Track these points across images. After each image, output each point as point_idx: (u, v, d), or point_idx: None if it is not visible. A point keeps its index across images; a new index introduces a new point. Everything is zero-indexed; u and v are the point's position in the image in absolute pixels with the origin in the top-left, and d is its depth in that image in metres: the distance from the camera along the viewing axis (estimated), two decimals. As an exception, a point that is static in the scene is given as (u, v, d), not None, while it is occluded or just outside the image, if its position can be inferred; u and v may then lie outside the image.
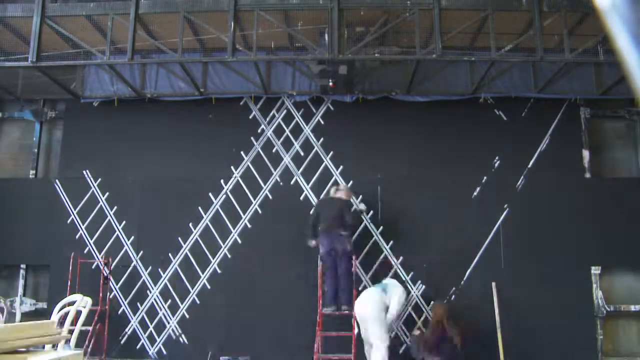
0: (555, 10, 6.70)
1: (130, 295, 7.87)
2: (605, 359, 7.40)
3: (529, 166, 7.93)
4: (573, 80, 7.93)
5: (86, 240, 8.06)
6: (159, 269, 7.92)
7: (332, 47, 6.67)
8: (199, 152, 8.24)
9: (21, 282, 8.16)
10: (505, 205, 7.81)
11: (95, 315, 7.21)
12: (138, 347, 7.75)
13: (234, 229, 7.97)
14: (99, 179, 8.25)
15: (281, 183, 8.08)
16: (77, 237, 8.08)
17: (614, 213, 7.65)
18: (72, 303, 5.33)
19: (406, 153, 8.06)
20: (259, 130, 8.28)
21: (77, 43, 7.11)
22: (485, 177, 7.90)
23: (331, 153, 8.12)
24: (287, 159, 8.15)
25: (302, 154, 8.16)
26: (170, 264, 7.91)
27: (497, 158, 7.98)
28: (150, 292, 7.87)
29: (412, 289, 7.64)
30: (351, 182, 7.97)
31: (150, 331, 7.78)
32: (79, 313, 5.19)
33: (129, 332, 7.80)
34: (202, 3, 6.85)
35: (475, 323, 7.36)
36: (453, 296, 7.57)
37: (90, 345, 7.14)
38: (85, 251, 7.99)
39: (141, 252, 7.96)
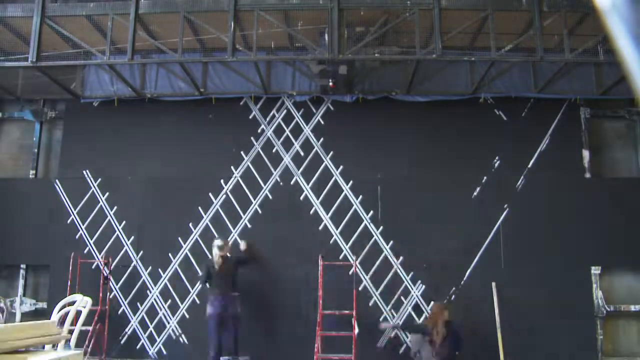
0: (555, 10, 6.70)
1: (130, 295, 7.87)
2: (605, 359, 7.40)
3: (529, 166, 7.93)
4: (573, 80, 7.93)
5: (86, 240, 8.06)
6: (159, 269, 7.92)
7: (332, 47, 6.67)
8: (199, 152, 8.24)
9: (21, 282, 8.16)
10: (505, 205, 7.81)
11: (95, 315, 7.22)
12: (138, 347, 7.75)
13: (234, 229, 7.97)
14: (99, 179, 8.25)
15: (281, 183, 8.08)
16: (77, 237, 8.08)
17: (614, 213, 7.65)
18: (72, 303, 5.33)
19: (406, 153, 8.06)
20: (259, 130, 8.28)
21: (77, 43, 7.11)
22: (485, 177, 7.90)
23: (331, 153, 8.12)
24: (287, 159, 8.15)
25: (302, 154, 8.16)
26: (170, 264, 7.91)
27: (497, 158, 7.98)
28: (150, 292, 7.87)
29: (412, 289, 7.64)
30: (351, 182, 7.97)
31: (150, 331, 7.78)
32: (79, 313, 5.20)
33: (129, 332, 7.80)
34: (202, 3, 6.85)
35: (475, 323, 7.37)
36: (453, 296, 7.57)
37: (90, 345, 7.14)
38: (85, 251, 7.99)
39: (141, 252, 7.96)
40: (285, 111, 8.32)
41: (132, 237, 8.03)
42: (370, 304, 7.26)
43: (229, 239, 7.43)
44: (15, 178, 8.58)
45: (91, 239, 8.07)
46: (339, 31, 6.67)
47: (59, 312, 5.32)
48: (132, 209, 8.11)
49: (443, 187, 7.88)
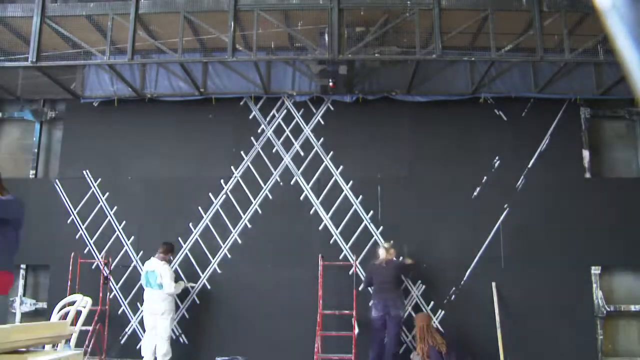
0: (555, 10, 6.70)
1: (130, 295, 7.87)
2: (605, 359, 7.39)
3: (529, 166, 7.93)
4: (573, 80, 7.93)
5: (86, 240, 8.06)
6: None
7: (332, 47, 6.67)
8: (199, 152, 8.24)
9: (21, 282, 8.16)
10: (505, 205, 7.81)
11: (95, 315, 7.21)
12: (138, 347, 7.74)
13: (234, 229, 7.97)
14: (99, 179, 8.25)
15: (281, 183, 8.08)
16: (77, 237, 8.08)
17: (614, 213, 7.65)
18: (72, 303, 5.33)
19: (406, 153, 8.07)
20: (259, 130, 8.28)
21: (77, 43, 7.11)
22: (485, 177, 7.90)
23: (331, 153, 8.12)
24: (287, 159, 8.15)
25: (302, 154, 8.16)
26: (170, 264, 7.90)
27: (497, 158, 7.98)
28: (150, 292, 7.86)
29: (412, 289, 7.64)
30: (351, 182, 7.97)
31: (150, 331, 7.77)
32: (79, 313, 5.19)
33: (129, 332, 7.80)
34: (202, 3, 6.85)
35: (475, 323, 7.37)
36: (453, 296, 7.57)
37: (90, 345, 7.14)
38: (85, 251, 7.99)
39: (141, 252, 7.95)
40: (285, 111, 8.32)
41: (132, 237, 8.03)
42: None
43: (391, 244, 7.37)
44: (15, 178, 8.57)
45: (91, 239, 8.07)
46: (339, 31, 6.67)
47: (59, 312, 5.32)
48: (132, 209, 8.11)
49: (443, 187, 7.88)
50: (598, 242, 7.60)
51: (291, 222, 7.88)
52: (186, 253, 7.92)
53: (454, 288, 7.59)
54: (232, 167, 8.17)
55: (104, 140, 8.39)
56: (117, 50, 7.20)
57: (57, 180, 8.31)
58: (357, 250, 7.69)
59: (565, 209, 7.74)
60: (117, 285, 7.91)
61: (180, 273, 7.86)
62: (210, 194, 8.08)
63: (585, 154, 7.98)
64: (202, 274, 7.86)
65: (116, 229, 8.07)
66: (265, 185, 8.08)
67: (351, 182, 7.98)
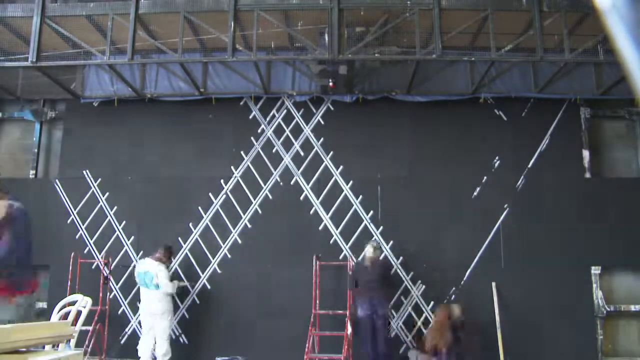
0: (555, 10, 6.70)
1: (130, 295, 7.87)
2: (605, 359, 7.39)
3: (529, 166, 7.93)
4: (573, 80, 7.94)
5: (86, 240, 8.06)
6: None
7: (332, 47, 6.67)
8: (199, 152, 8.24)
9: (21, 282, 8.14)
10: (505, 205, 7.81)
11: (95, 315, 7.21)
12: (138, 347, 7.74)
13: (234, 229, 7.97)
14: (99, 179, 8.25)
15: (281, 183, 8.08)
16: (77, 237, 8.08)
17: (614, 213, 7.65)
18: (72, 303, 5.33)
19: (406, 153, 8.07)
20: (259, 130, 8.28)
21: (77, 43, 7.11)
22: (485, 177, 7.90)
23: (331, 153, 8.12)
24: (287, 159, 8.15)
25: (302, 154, 8.16)
26: (170, 264, 7.90)
27: (497, 158, 7.98)
28: (150, 292, 7.86)
29: (413, 289, 7.64)
30: (351, 182, 7.97)
31: (150, 331, 7.77)
32: (79, 313, 5.19)
33: (129, 332, 7.80)
34: (202, 3, 6.85)
35: (475, 323, 7.36)
36: (453, 296, 7.57)
37: (90, 345, 7.14)
38: (85, 251, 7.99)
39: (141, 252, 7.95)
40: (285, 111, 8.32)
41: (132, 237, 8.03)
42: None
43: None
44: (15, 178, 8.57)
45: (91, 239, 8.07)
46: (339, 31, 6.67)
47: (59, 312, 5.32)
48: (132, 209, 8.11)
49: (443, 187, 7.88)
50: (598, 242, 7.60)
51: (291, 222, 7.88)
52: (186, 253, 7.92)
53: (454, 288, 7.59)
54: (232, 167, 8.17)
55: (104, 140, 8.39)
56: (117, 50, 7.20)
57: (57, 180, 8.31)
58: (357, 250, 7.68)
59: (565, 209, 7.74)
60: (117, 285, 7.91)
61: (181, 273, 7.87)
62: (210, 194, 8.08)
63: (585, 154, 7.98)
64: (202, 274, 7.86)
65: (116, 229, 8.07)
66: (265, 185, 8.08)
67: (351, 182, 7.98)
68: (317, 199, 7.97)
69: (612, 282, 7.75)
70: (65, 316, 5.10)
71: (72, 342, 5.05)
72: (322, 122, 8.24)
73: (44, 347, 3.93)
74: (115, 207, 8.13)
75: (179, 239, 7.96)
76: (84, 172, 8.29)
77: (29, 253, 3.88)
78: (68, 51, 7.37)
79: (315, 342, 7.09)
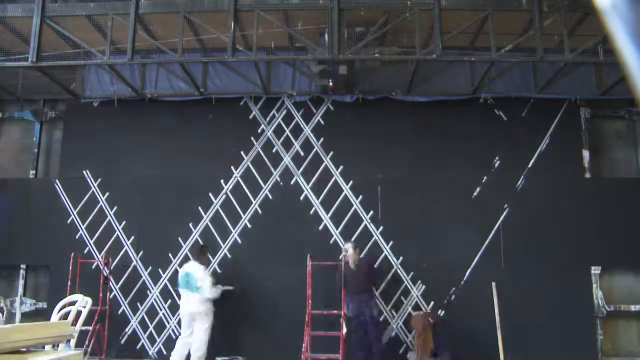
0: (555, 10, 6.70)
1: (130, 295, 7.87)
2: (605, 359, 7.40)
3: (529, 166, 7.93)
4: (573, 80, 7.93)
5: (86, 240, 8.06)
6: (159, 269, 7.92)
7: (332, 47, 6.67)
8: (199, 152, 8.24)
9: (21, 282, 8.16)
10: (505, 205, 7.81)
11: (95, 315, 7.20)
12: (138, 347, 7.75)
13: (234, 229, 7.97)
14: (99, 179, 8.25)
15: (281, 183, 8.08)
16: (77, 237, 8.09)
17: (614, 213, 7.65)
18: (72, 303, 5.34)
19: (406, 153, 8.06)
20: (259, 130, 8.28)
21: (77, 43, 7.11)
22: (485, 177, 7.90)
23: (331, 153, 8.12)
24: (287, 159, 8.15)
25: (302, 154, 8.16)
26: (170, 264, 7.91)
27: (497, 158, 7.98)
28: (150, 292, 7.87)
29: (413, 289, 7.64)
30: (351, 182, 7.97)
31: (150, 331, 7.79)
32: (79, 313, 5.19)
33: (129, 332, 7.80)
34: (202, 3, 6.85)
35: (475, 323, 7.37)
36: (453, 296, 7.57)
37: (90, 345, 7.14)
38: (85, 251, 7.99)
39: (141, 252, 7.96)
40: (285, 111, 8.32)
41: (132, 237, 8.03)
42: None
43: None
44: (15, 178, 8.58)
45: (91, 239, 8.07)
46: (339, 31, 6.67)
47: (59, 312, 5.32)
48: (132, 209, 8.11)
49: (443, 187, 7.88)
50: (598, 242, 7.60)
51: (291, 222, 7.88)
52: (186, 253, 7.92)
53: (454, 288, 7.59)
54: (232, 167, 8.17)
55: (104, 140, 8.39)
56: (117, 50, 7.19)
57: (57, 180, 8.31)
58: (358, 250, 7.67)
59: (565, 209, 7.74)
60: (117, 285, 7.91)
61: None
62: (210, 194, 8.08)
63: (585, 154, 7.98)
64: (202, 274, 7.85)
65: (116, 229, 8.07)
66: (265, 185, 8.08)
67: (351, 182, 7.98)
68: (317, 199, 7.97)
69: (612, 282, 7.75)
70: (65, 316, 5.11)
71: (72, 342, 5.05)
72: (322, 122, 8.24)
73: (44, 347, 3.93)
74: (115, 207, 8.13)
75: (179, 239, 7.96)
76: (84, 172, 8.29)
77: None
78: (68, 51, 7.37)
79: (308, 342, 7.06)
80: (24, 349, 2.96)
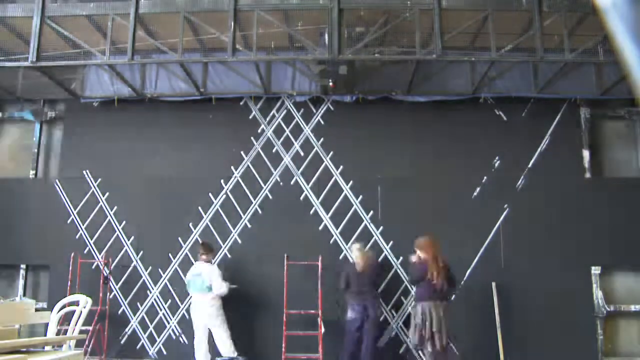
0: (555, 10, 6.69)
1: (130, 295, 7.87)
2: (605, 359, 7.40)
3: (529, 166, 7.93)
4: (573, 80, 7.92)
5: (86, 240, 8.06)
6: (159, 269, 7.92)
7: (332, 47, 6.67)
8: (199, 152, 8.24)
9: (21, 282, 8.16)
10: (505, 205, 7.81)
11: (95, 315, 7.21)
12: (138, 347, 7.75)
13: (234, 229, 7.97)
14: (99, 179, 8.25)
15: (281, 183, 8.08)
16: (77, 237, 8.08)
17: (614, 213, 7.65)
18: (72, 303, 5.34)
19: (406, 153, 8.07)
20: (259, 130, 8.28)
21: (77, 43, 7.11)
22: (485, 177, 7.90)
23: (331, 153, 8.12)
24: (287, 159, 8.15)
25: (302, 154, 8.16)
26: (170, 264, 7.91)
27: (497, 158, 7.98)
28: (150, 292, 7.87)
29: (412, 289, 7.63)
30: (351, 182, 7.97)
31: (150, 331, 7.78)
32: (79, 313, 5.20)
33: (129, 332, 7.80)
34: (202, 3, 6.85)
35: (475, 323, 7.37)
36: (453, 296, 7.56)
37: (90, 345, 7.14)
38: (85, 251, 7.99)
39: (141, 252, 7.96)
40: (285, 111, 8.32)
41: (132, 237, 8.03)
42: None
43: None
44: (15, 178, 8.58)
45: (91, 239, 8.07)
46: (339, 31, 6.67)
47: (58, 312, 5.33)
48: (132, 209, 8.11)
49: (443, 187, 7.88)
50: (598, 242, 7.60)
51: (291, 222, 7.88)
52: (186, 253, 7.92)
53: (454, 288, 7.58)
54: (232, 167, 8.17)
55: (104, 140, 8.39)
56: (117, 50, 7.19)
57: (57, 180, 8.31)
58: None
59: (565, 209, 7.74)
60: (117, 285, 7.91)
61: (181, 273, 7.86)
62: (210, 194, 8.08)
63: (585, 154, 7.98)
64: (202, 274, 7.85)
65: (116, 229, 8.07)
66: (265, 185, 8.08)
67: (351, 182, 7.98)
68: (317, 199, 7.97)
69: (612, 282, 7.75)
70: (65, 316, 5.11)
71: (72, 342, 5.06)
72: (322, 122, 8.24)
73: (44, 348, 3.94)
74: (115, 207, 8.13)
75: (179, 239, 7.96)
76: (84, 172, 8.29)
77: None
78: (68, 51, 7.37)
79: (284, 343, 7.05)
80: (24, 349, 2.96)
